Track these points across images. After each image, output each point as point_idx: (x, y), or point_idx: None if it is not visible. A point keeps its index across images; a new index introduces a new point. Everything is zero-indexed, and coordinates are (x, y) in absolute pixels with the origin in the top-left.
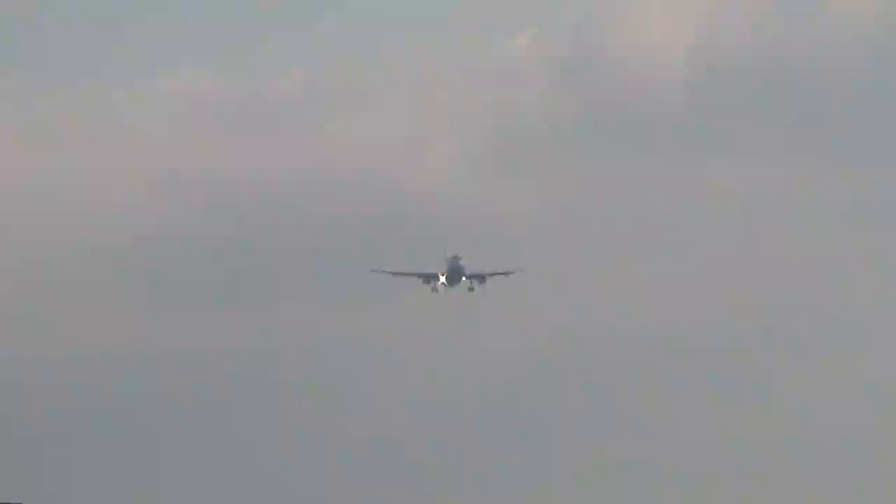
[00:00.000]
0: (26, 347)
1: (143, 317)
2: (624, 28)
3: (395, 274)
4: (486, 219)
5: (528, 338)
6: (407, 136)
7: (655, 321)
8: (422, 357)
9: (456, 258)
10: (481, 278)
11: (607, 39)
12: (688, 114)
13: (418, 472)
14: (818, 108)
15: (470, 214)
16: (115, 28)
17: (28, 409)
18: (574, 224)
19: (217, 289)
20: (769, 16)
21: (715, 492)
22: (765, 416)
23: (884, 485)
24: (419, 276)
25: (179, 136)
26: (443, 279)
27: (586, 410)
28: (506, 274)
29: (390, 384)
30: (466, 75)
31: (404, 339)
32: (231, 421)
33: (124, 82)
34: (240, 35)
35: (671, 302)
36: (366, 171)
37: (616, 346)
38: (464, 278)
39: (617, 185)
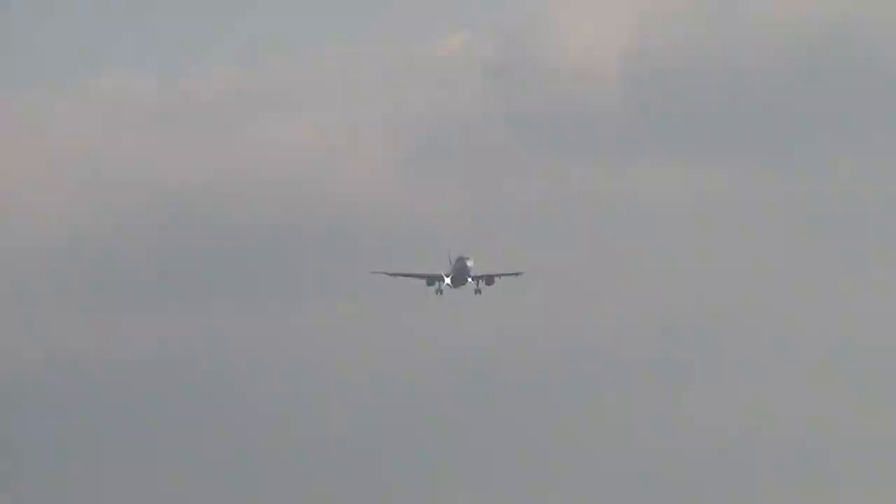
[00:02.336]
0: None
1: (68, 320)
2: (554, 30)
3: (395, 275)
4: (414, 220)
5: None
6: (334, 137)
7: (581, 325)
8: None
9: (462, 258)
10: (489, 280)
11: (538, 41)
12: (617, 115)
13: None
14: (748, 109)
15: (398, 216)
16: (40, 30)
17: None
18: (503, 226)
19: (143, 291)
20: (698, 18)
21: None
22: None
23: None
24: (422, 277)
25: (104, 138)
26: (447, 280)
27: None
28: (516, 275)
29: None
30: (396, 77)
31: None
32: (182, 425)
33: (50, 84)
34: (165, 36)
35: (599, 306)
36: (291, 173)
37: (541, 353)
38: (469, 280)
39: (546, 186)
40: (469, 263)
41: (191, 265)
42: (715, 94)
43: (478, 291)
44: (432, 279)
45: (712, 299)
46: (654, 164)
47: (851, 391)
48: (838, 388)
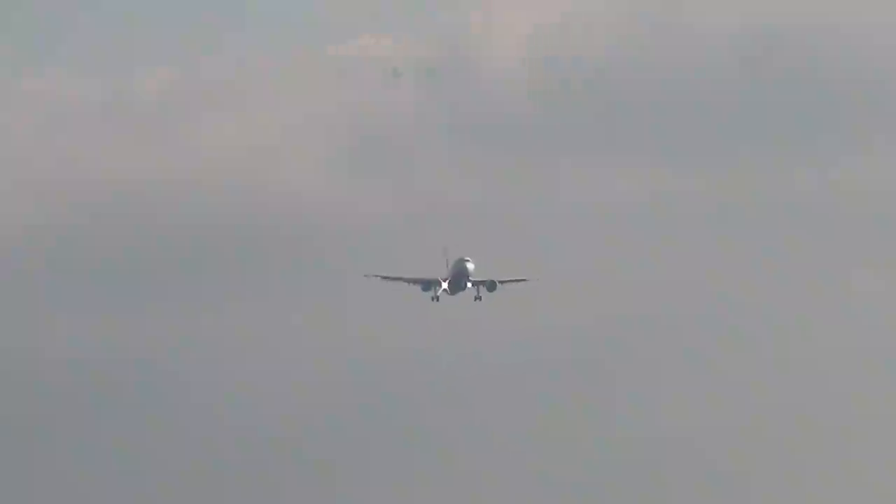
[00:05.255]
0: None
1: (9, 319)
2: (485, 33)
3: (390, 279)
4: (351, 220)
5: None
6: (273, 137)
7: (513, 327)
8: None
9: (462, 260)
10: (491, 285)
11: (469, 42)
12: (545, 116)
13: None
14: (677, 110)
15: (335, 216)
16: None
17: None
18: (436, 226)
19: (85, 292)
20: (623, 20)
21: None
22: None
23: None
24: (418, 281)
25: (45, 138)
26: (445, 285)
27: None
28: (520, 281)
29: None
30: (332, 77)
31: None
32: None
33: None
34: (106, 35)
35: (538, 306)
36: (231, 172)
37: (469, 357)
38: (469, 285)
39: (478, 186)
40: (469, 266)
41: (130, 264)
42: (642, 95)
43: (478, 298)
44: (429, 284)
45: (641, 299)
46: (577, 164)
47: (790, 392)
48: (777, 389)
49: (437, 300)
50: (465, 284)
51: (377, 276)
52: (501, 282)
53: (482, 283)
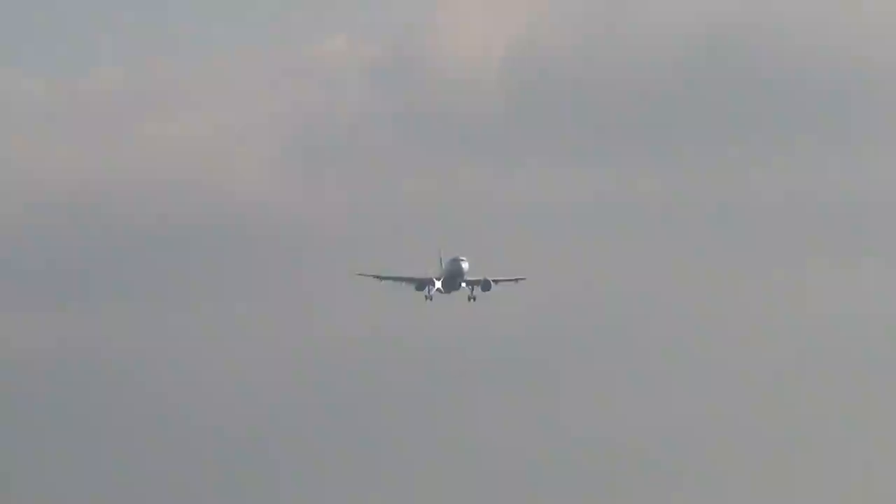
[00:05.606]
0: None
1: None
2: (441, 30)
3: (383, 278)
4: (301, 220)
5: None
6: (222, 137)
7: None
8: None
9: (457, 259)
10: (486, 285)
11: (425, 41)
12: (503, 116)
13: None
14: (634, 109)
15: (285, 215)
16: None
17: None
18: (391, 225)
19: (27, 291)
20: (585, 19)
21: None
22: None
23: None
24: (411, 281)
25: None
26: (438, 284)
27: None
28: (515, 281)
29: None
30: (284, 76)
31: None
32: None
33: None
34: (52, 36)
35: (499, 303)
36: (180, 172)
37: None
38: (464, 285)
39: (433, 186)
40: (464, 266)
41: (75, 265)
42: (602, 95)
43: (472, 298)
44: (423, 283)
45: (599, 298)
46: (542, 164)
47: (742, 392)
48: (728, 389)
49: (431, 300)
50: (460, 284)
51: (370, 275)
52: (496, 281)
53: (477, 282)
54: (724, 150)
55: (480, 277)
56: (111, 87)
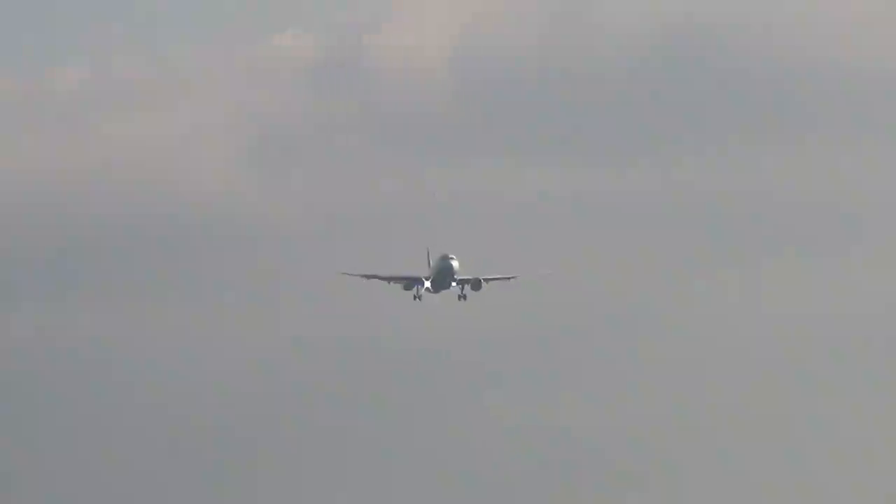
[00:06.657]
0: None
1: None
2: (392, 28)
3: (368, 277)
4: (259, 219)
5: None
6: (183, 134)
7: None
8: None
9: (446, 258)
10: (476, 284)
11: (374, 40)
12: (450, 115)
13: None
14: (584, 107)
15: (244, 214)
16: None
17: None
18: (342, 224)
19: None
20: (536, 17)
21: None
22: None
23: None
24: (399, 280)
25: None
26: (427, 284)
27: None
28: (506, 279)
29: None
30: (243, 74)
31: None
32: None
33: None
34: (15, 33)
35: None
36: (142, 170)
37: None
38: (454, 284)
39: (384, 185)
40: (454, 264)
41: (39, 260)
42: (550, 93)
43: (462, 297)
44: (411, 282)
45: (553, 297)
46: (489, 164)
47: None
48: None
49: (420, 300)
50: (450, 283)
51: (355, 275)
52: (487, 280)
53: (467, 281)
54: (678, 150)
55: (471, 276)
56: (74, 86)
